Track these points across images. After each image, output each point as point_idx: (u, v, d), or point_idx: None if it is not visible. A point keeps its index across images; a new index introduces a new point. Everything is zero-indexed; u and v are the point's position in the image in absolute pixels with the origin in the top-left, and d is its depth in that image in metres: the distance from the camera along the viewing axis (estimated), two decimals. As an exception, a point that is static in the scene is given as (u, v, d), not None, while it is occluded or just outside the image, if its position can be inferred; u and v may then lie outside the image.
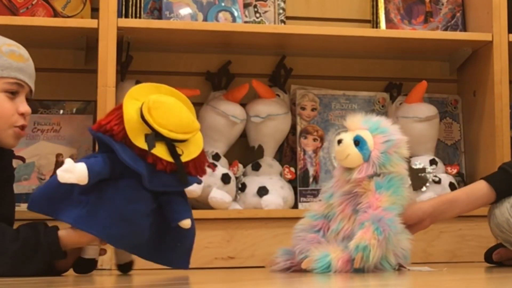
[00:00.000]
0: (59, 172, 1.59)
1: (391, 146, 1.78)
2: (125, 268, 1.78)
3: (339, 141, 1.78)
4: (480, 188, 1.96)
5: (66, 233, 1.65)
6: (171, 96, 1.69)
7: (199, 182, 1.72)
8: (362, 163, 1.77)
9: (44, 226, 1.68)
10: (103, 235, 1.63)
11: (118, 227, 1.62)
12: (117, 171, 1.63)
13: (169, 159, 1.62)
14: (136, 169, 1.60)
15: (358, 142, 1.77)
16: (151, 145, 1.59)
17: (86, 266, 1.74)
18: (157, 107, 1.62)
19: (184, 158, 1.64)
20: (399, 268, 1.77)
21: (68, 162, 1.60)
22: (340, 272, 1.68)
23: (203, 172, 1.71)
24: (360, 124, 1.81)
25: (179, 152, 1.63)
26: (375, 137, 1.78)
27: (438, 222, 1.99)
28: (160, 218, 1.67)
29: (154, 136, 1.60)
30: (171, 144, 1.62)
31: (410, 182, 1.83)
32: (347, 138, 1.78)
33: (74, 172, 1.59)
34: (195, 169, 1.68)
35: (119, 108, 1.65)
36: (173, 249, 1.70)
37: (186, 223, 1.66)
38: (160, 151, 1.61)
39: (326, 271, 1.69)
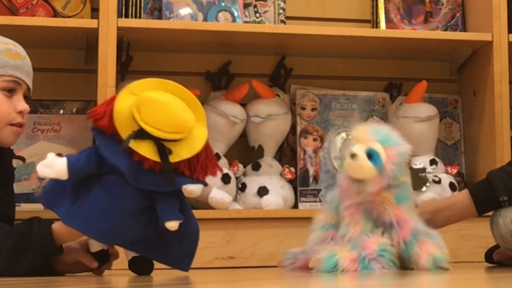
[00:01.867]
0: (38, 166, 1.59)
1: (403, 158, 1.80)
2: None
3: (353, 155, 1.77)
4: (462, 200, 1.96)
5: (59, 226, 1.64)
6: (176, 93, 1.64)
7: (199, 183, 1.65)
8: (376, 175, 1.77)
9: (37, 220, 1.67)
10: (88, 231, 1.61)
11: (104, 223, 1.59)
12: (107, 166, 1.60)
13: (155, 158, 1.56)
14: (115, 165, 1.57)
15: (371, 155, 1.78)
16: (126, 142, 1.55)
17: (100, 258, 1.74)
18: (147, 105, 1.57)
19: (173, 158, 1.58)
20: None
21: (49, 156, 1.60)
22: (348, 271, 1.69)
23: (204, 173, 1.64)
24: (369, 135, 1.81)
25: (168, 151, 1.58)
26: (387, 149, 1.79)
27: None
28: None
29: (140, 134, 1.56)
30: (159, 143, 1.56)
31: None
32: (360, 152, 1.77)
33: (53, 167, 1.59)
34: (190, 170, 1.61)
35: (111, 101, 1.61)
36: (171, 248, 1.67)
37: (170, 225, 1.59)
38: (146, 149, 1.56)
39: (333, 270, 1.70)
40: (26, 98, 1.81)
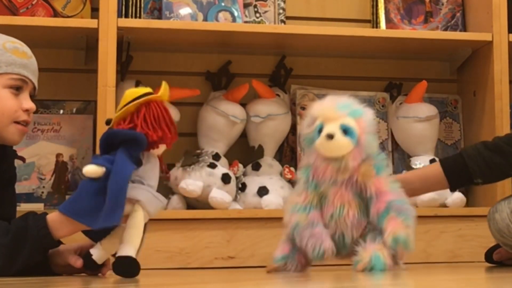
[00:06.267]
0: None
1: (371, 126, 1.78)
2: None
3: (330, 136, 1.72)
4: (434, 174, 1.96)
5: (54, 216, 1.65)
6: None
7: (126, 134, 1.62)
8: (352, 149, 1.75)
9: (33, 214, 1.68)
10: (60, 206, 1.64)
11: (73, 196, 1.64)
12: None
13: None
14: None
15: (346, 131, 1.75)
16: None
17: (89, 263, 1.74)
18: None
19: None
20: None
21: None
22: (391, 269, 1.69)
23: (122, 125, 1.63)
24: (337, 111, 1.76)
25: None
26: (357, 121, 1.77)
27: None
28: None
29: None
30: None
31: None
32: (336, 130, 1.74)
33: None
34: (118, 126, 1.64)
35: None
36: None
37: (85, 168, 1.61)
38: None
39: (381, 269, 1.68)
40: (32, 97, 1.82)
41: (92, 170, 1.60)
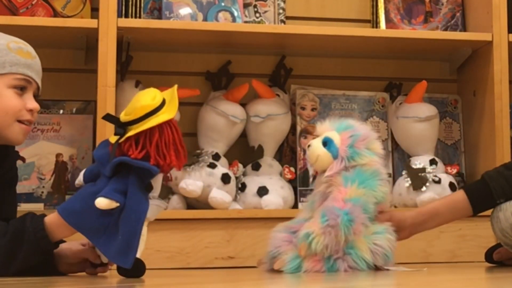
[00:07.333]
0: None
1: (357, 140, 1.79)
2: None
3: (309, 146, 1.81)
4: (459, 200, 1.97)
5: (51, 218, 1.65)
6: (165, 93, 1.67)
7: (137, 163, 1.59)
8: (332, 161, 1.78)
9: (31, 215, 1.67)
10: (60, 210, 1.63)
11: (75, 203, 1.63)
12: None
13: (112, 141, 1.62)
14: (94, 154, 1.69)
15: (326, 143, 1.79)
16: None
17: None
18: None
19: (122, 139, 1.61)
20: (377, 269, 1.76)
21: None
22: (311, 272, 1.69)
23: (135, 152, 1.60)
24: (327, 127, 1.83)
25: (121, 132, 1.62)
26: (341, 134, 1.80)
27: (418, 232, 1.98)
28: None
29: (119, 125, 1.64)
30: (117, 127, 1.63)
31: (386, 178, 1.82)
32: (316, 141, 1.81)
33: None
34: (130, 149, 1.60)
35: None
36: (115, 240, 1.61)
37: (97, 200, 1.58)
38: (113, 137, 1.63)
39: (296, 272, 1.70)
40: (35, 97, 1.82)
41: (105, 205, 1.58)
